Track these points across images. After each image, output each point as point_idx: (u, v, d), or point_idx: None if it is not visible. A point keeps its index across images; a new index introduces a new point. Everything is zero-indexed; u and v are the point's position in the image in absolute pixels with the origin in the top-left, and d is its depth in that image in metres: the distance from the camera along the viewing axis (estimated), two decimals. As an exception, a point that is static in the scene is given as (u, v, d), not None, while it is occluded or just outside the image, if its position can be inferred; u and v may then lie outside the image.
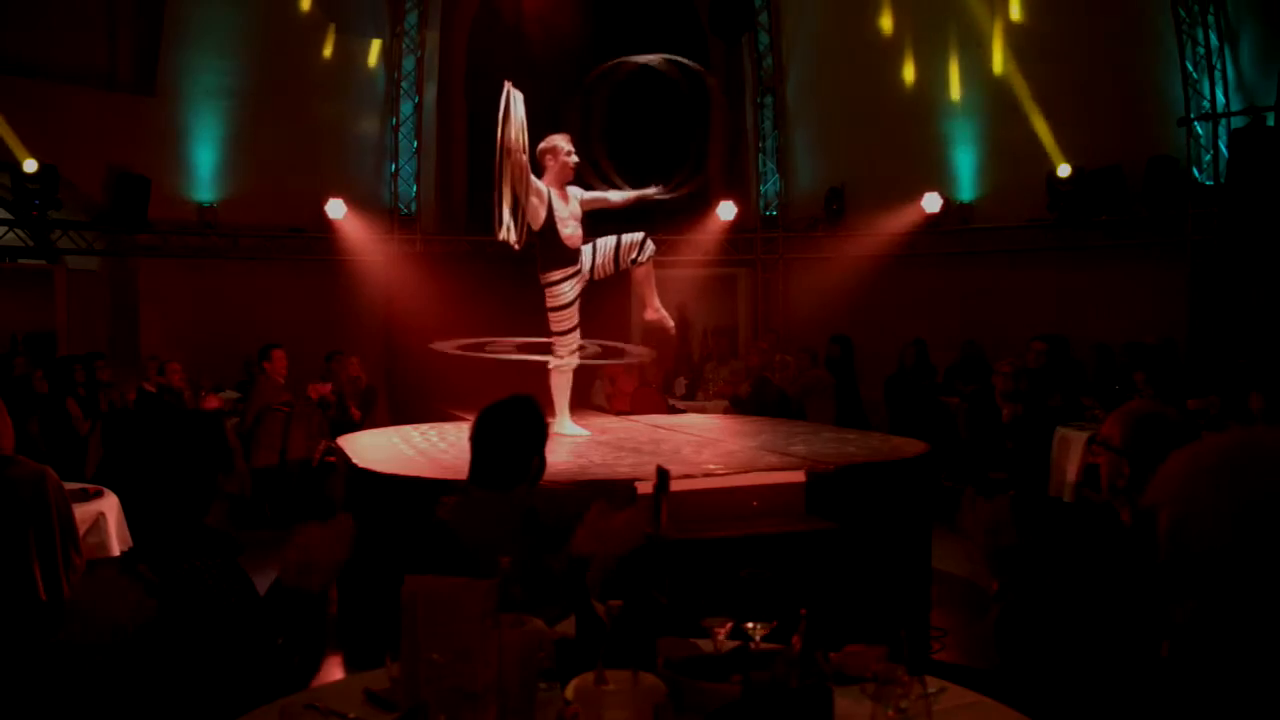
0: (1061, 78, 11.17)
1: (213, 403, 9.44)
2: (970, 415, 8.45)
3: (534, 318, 6.90)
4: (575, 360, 6.76)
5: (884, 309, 12.12)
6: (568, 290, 6.55)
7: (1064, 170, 11.07)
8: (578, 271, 6.57)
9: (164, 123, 11.75)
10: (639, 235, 6.75)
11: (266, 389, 9.22)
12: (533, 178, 6.29)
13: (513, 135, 6.09)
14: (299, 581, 2.40)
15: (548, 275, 6.55)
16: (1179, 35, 10.44)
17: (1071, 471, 7.78)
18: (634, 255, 6.73)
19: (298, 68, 12.47)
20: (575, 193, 6.59)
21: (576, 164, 6.50)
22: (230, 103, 12.02)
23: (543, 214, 6.38)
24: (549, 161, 6.47)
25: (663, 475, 2.94)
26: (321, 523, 2.43)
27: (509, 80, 6.19)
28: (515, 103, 6.16)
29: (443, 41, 13.32)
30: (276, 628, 2.40)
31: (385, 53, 13.10)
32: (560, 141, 6.47)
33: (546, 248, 6.51)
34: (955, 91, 12.29)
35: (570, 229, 6.51)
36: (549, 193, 6.40)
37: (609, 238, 6.72)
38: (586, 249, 6.63)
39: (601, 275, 6.72)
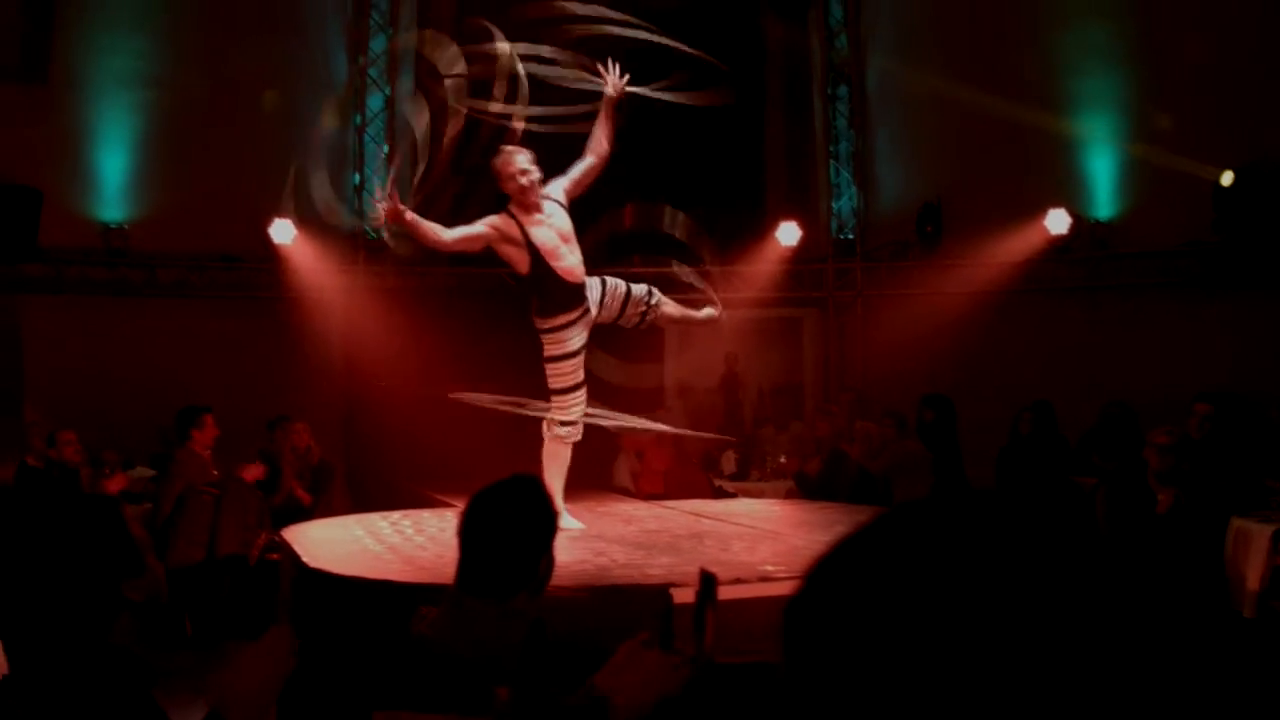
0: (1235, 50, 11.11)
1: (118, 483, 9.41)
2: (1113, 502, 8.34)
3: (541, 373, 6.90)
4: (578, 432, 6.73)
5: (994, 361, 12.08)
6: (574, 338, 6.54)
7: (1226, 178, 10.91)
8: (584, 313, 6.56)
9: (59, 119, 11.88)
10: (644, 288, 6.78)
11: (190, 466, 9.21)
12: (496, 221, 6.30)
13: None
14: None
15: (545, 321, 6.55)
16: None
17: (1254, 578, 7.67)
18: (643, 309, 6.75)
19: (232, 50, 12.56)
20: (555, 204, 6.56)
21: (539, 179, 6.46)
22: (145, 94, 12.17)
23: (524, 258, 6.37)
24: (506, 188, 6.47)
25: (707, 580, 2.89)
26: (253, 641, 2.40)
27: None
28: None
29: (420, 14, 13.39)
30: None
31: (347, 30, 13.26)
32: (508, 162, 6.44)
33: (543, 291, 6.51)
34: (1090, 76, 12.29)
35: (567, 259, 6.49)
36: (521, 227, 6.39)
37: (618, 280, 6.72)
38: (593, 283, 6.63)
39: (605, 320, 6.72)
